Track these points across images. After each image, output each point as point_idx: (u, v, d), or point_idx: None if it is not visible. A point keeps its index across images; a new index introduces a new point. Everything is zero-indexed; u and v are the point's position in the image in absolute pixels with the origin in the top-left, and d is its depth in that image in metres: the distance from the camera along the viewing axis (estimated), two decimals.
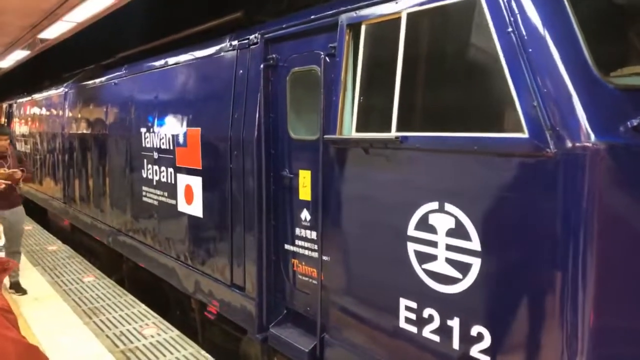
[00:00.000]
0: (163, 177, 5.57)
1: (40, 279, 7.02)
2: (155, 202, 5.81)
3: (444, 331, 2.64)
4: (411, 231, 2.78)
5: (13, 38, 8.91)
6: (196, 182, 4.94)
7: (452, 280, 2.59)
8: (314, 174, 3.69)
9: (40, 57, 10.66)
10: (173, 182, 5.36)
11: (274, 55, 4.03)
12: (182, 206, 5.21)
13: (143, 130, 6.01)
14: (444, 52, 2.71)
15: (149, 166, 5.89)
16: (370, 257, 3.08)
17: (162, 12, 8.03)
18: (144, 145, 6.00)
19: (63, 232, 10.23)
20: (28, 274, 7.02)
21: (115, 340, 5.06)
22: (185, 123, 5.11)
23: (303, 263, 3.88)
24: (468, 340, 2.53)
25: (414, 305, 2.80)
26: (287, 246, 4.03)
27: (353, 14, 3.21)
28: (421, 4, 2.75)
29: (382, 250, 3.00)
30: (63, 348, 4.86)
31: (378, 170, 3.00)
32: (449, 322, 2.61)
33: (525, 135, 2.25)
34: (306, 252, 3.84)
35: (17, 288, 6.29)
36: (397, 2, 2.89)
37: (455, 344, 2.59)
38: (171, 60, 5.56)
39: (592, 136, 2.10)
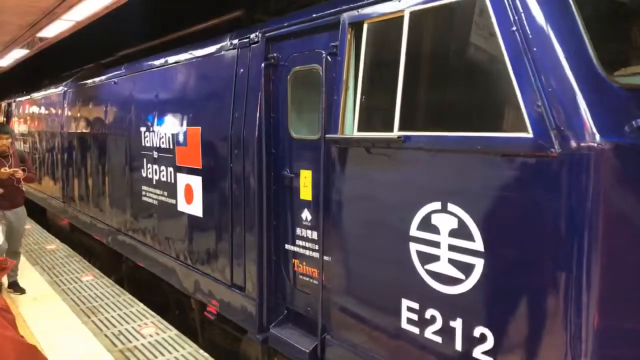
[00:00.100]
0: (163, 176, 5.55)
1: (39, 278, 7.00)
2: (155, 202, 5.79)
3: (447, 332, 2.63)
4: (413, 231, 2.76)
5: (12, 37, 8.88)
6: (196, 182, 4.92)
7: (455, 281, 2.57)
8: (315, 174, 3.67)
9: (39, 55, 10.62)
10: (173, 181, 5.33)
11: (275, 54, 4.01)
12: (182, 206, 5.19)
13: (143, 129, 5.98)
14: (447, 51, 2.69)
15: (149, 165, 5.86)
16: (372, 257, 3.06)
17: (162, 11, 8.01)
18: (143, 144, 5.97)
19: (62, 232, 10.21)
20: (27, 273, 7.00)
21: (113, 340, 5.05)
22: (185, 122, 5.08)
23: (304, 263, 3.86)
24: (471, 341, 2.51)
25: (416, 306, 2.78)
26: (287, 246, 4.01)
27: (355, 12, 3.19)
28: (424, 3, 2.73)
29: (384, 250, 2.97)
30: (61, 347, 4.85)
31: (380, 170, 2.98)
32: (452, 323, 2.60)
33: (529, 135, 2.23)
34: (307, 252, 3.82)
35: (15, 287, 6.27)
36: (399, 1, 2.87)
37: (458, 345, 2.57)
38: (171, 59, 5.53)
39: (598, 136, 2.08)
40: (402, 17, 2.84)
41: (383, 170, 2.96)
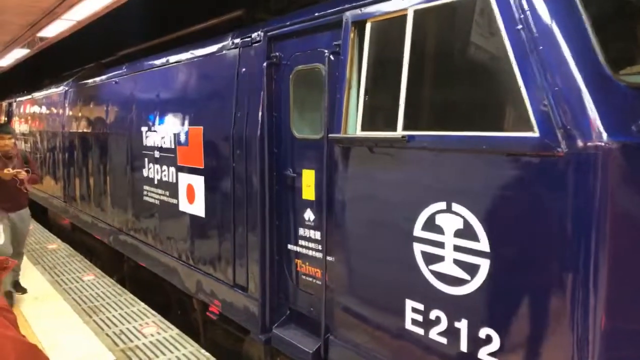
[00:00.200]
0: (164, 176, 5.53)
1: (40, 277, 7.00)
2: (157, 202, 5.77)
3: (452, 333, 2.61)
4: (418, 232, 2.74)
5: (12, 36, 8.87)
6: (198, 182, 4.90)
7: (460, 282, 2.56)
8: (317, 174, 3.65)
9: (39, 55, 10.61)
10: (174, 181, 5.32)
11: (277, 54, 3.99)
12: (184, 205, 5.18)
13: (144, 129, 5.97)
14: (452, 50, 2.67)
15: (150, 165, 5.85)
16: (376, 257, 3.04)
17: (163, 11, 7.99)
18: (145, 144, 5.96)
19: (64, 231, 10.21)
20: (28, 272, 6.99)
21: (115, 339, 5.04)
22: (187, 122, 5.07)
23: (307, 263, 3.85)
24: (476, 342, 2.49)
25: (420, 306, 2.77)
26: (290, 246, 4.00)
27: (358, 11, 3.17)
28: (428, 1, 2.71)
29: (387, 250, 2.96)
30: (63, 347, 4.84)
31: (384, 169, 2.96)
32: (457, 324, 2.58)
33: (535, 134, 2.21)
34: (310, 252, 3.80)
35: (16, 287, 6.26)
36: None
37: (463, 346, 2.55)
38: (172, 58, 5.52)
39: (605, 135, 2.06)
40: (405, 16, 2.82)
41: (386, 170, 2.94)
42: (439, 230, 2.63)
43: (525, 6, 2.29)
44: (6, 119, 14.82)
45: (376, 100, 3.06)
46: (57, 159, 9.78)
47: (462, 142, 2.51)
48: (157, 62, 5.89)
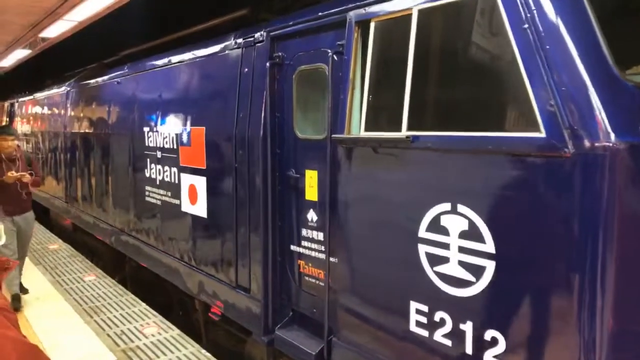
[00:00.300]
0: (166, 176, 5.52)
1: (42, 278, 7.00)
2: (159, 202, 5.76)
3: (456, 335, 2.58)
4: (422, 233, 2.72)
5: (14, 37, 8.86)
6: (200, 182, 4.88)
7: (465, 283, 2.53)
8: (320, 174, 3.63)
9: (41, 56, 10.61)
10: (177, 181, 5.30)
11: (280, 53, 3.97)
12: (186, 206, 5.16)
13: (146, 129, 5.96)
14: (457, 49, 2.65)
15: (152, 166, 5.84)
16: (380, 259, 3.02)
17: (165, 11, 7.98)
18: (147, 144, 5.94)
19: (65, 232, 10.20)
20: (29, 273, 6.99)
21: (116, 339, 5.05)
22: (189, 122, 5.05)
23: (309, 264, 3.83)
24: (481, 344, 2.47)
25: (425, 308, 2.74)
26: (293, 247, 3.98)
27: (362, 10, 3.15)
28: (433, 0, 2.69)
29: (391, 252, 2.93)
30: (64, 347, 4.84)
31: (388, 170, 2.94)
32: (462, 326, 2.56)
33: (542, 134, 2.18)
34: (313, 254, 3.78)
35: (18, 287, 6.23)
36: None
37: (468, 349, 2.53)
38: (175, 58, 5.50)
39: (612, 136, 2.04)
40: (410, 16, 2.80)
41: (391, 171, 2.92)
42: (444, 231, 2.61)
43: (532, 5, 2.27)
44: (8, 119, 14.83)
45: (380, 101, 3.04)
46: (59, 160, 9.77)
47: (467, 142, 2.49)
48: (160, 62, 5.88)
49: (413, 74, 2.75)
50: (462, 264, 2.54)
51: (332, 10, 3.43)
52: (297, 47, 3.83)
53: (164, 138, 5.53)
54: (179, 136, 5.21)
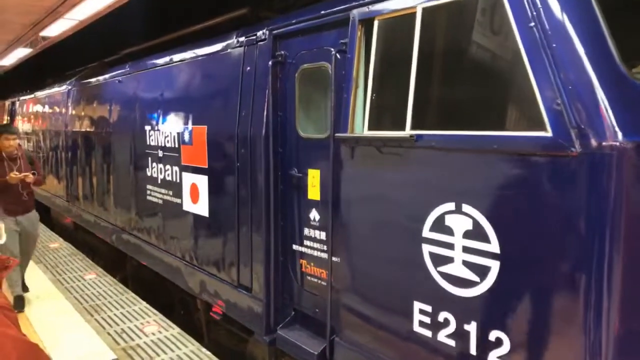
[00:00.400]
0: (168, 175, 5.50)
1: (42, 276, 6.99)
2: (160, 201, 5.74)
3: (460, 336, 2.57)
4: (426, 232, 2.70)
5: (15, 36, 8.86)
6: (202, 181, 4.87)
7: (469, 284, 2.51)
8: (323, 173, 3.62)
9: (42, 54, 10.60)
10: (178, 180, 5.29)
11: (282, 52, 3.95)
12: (188, 205, 5.14)
13: (147, 128, 5.94)
14: (462, 48, 2.62)
15: (154, 164, 5.82)
16: (383, 258, 3.00)
17: (166, 9, 7.96)
18: (148, 143, 5.93)
19: (66, 230, 10.19)
20: (30, 271, 6.96)
21: (116, 338, 5.05)
22: (190, 121, 5.03)
23: (312, 264, 3.81)
24: (486, 345, 2.45)
25: (428, 308, 2.72)
26: (295, 246, 3.96)
27: (365, 8, 3.13)
28: None
29: (395, 252, 2.92)
30: (64, 346, 4.84)
31: (391, 169, 2.92)
32: (466, 327, 2.54)
33: (548, 134, 2.16)
34: (315, 253, 3.76)
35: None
36: None
37: (472, 349, 2.51)
38: (176, 57, 5.48)
39: (620, 135, 2.01)
40: (414, 14, 2.78)
41: (394, 170, 2.90)
42: (448, 231, 2.59)
43: (538, 3, 2.25)
44: (9, 118, 14.81)
45: (384, 99, 3.02)
46: (60, 158, 9.76)
47: (472, 141, 2.47)
48: (161, 61, 5.86)
49: (417, 72, 2.73)
50: (466, 264, 2.52)
51: (335, 9, 3.41)
52: (299, 45, 3.81)
53: (165, 137, 5.52)
54: (180, 135, 5.19)
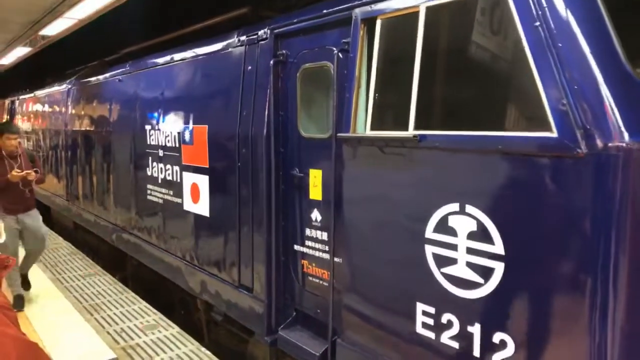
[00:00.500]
0: (168, 175, 5.48)
1: (42, 275, 6.98)
2: (160, 201, 5.72)
3: (464, 337, 2.55)
4: (429, 233, 2.68)
5: (14, 35, 8.83)
6: (203, 181, 4.85)
7: (473, 285, 2.49)
8: (325, 173, 3.60)
9: (42, 53, 10.57)
10: (179, 180, 5.27)
11: (284, 51, 3.93)
12: (188, 205, 5.12)
13: (148, 127, 5.92)
14: (466, 47, 2.60)
15: (154, 164, 5.80)
16: (385, 259, 2.98)
17: (167, 8, 7.94)
18: (148, 142, 5.91)
19: (66, 229, 10.17)
20: (30, 270, 6.95)
21: (116, 337, 5.04)
22: (191, 120, 5.01)
23: (313, 264, 3.79)
24: (490, 347, 2.43)
25: (431, 310, 2.70)
26: (296, 247, 3.94)
27: (368, 7, 3.10)
28: None
29: (398, 252, 2.90)
30: (64, 345, 4.83)
31: (394, 169, 2.90)
32: (470, 328, 2.52)
33: (554, 134, 2.14)
34: (316, 253, 3.74)
35: (23, 282, 6.14)
36: None
37: (476, 351, 2.49)
38: (177, 56, 5.46)
39: (626, 136, 1.99)
40: (417, 13, 2.75)
41: (397, 170, 2.88)
42: (452, 232, 2.57)
43: (543, 2, 2.23)
44: (8, 117, 14.79)
45: (386, 99, 3.00)
46: (60, 157, 9.74)
47: (476, 142, 2.45)
48: (162, 60, 5.83)
49: (420, 72, 2.71)
50: (470, 265, 2.50)
51: (338, 8, 3.39)
52: (301, 44, 3.79)
53: (166, 136, 5.50)
54: (181, 134, 5.17)
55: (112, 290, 6.43)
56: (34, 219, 5.97)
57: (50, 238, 9.30)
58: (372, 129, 3.01)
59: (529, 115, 2.32)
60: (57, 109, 10.00)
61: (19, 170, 5.52)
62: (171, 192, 5.47)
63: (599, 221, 2.06)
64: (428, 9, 2.70)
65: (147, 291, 6.65)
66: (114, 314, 5.65)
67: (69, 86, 9.26)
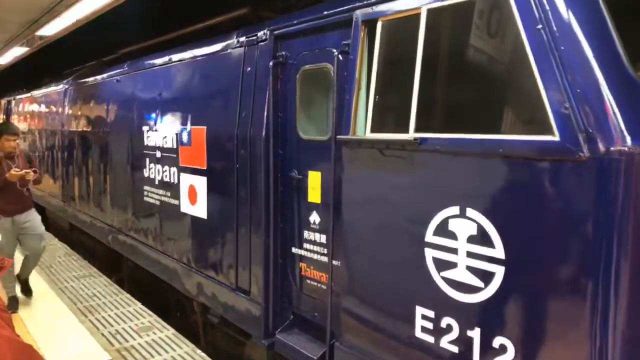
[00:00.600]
0: (166, 176, 5.45)
1: (37, 277, 6.91)
2: (157, 202, 5.69)
3: (464, 342, 2.53)
4: (429, 237, 2.66)
5: (11, 35, 8.78)
6: (200, 182, 4.82)
7: (473, 289, 2.48)
8: (324, 176, 3.58)
9: (39, 53, 10.51)
10: (176, 181, 5.24)
11: (283, 53, 3.91)
12: (185, 207, 5.09)
13: (145, 128, 5.89)
14: (467, 50, 2.59)
15: (151, 165, 5.77)
16: (385, 262, 2.96)
17: (165, 8, 7.92)
18: (146, 143, 5.87)
19: (62, 230, 10.11)
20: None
21: (110, 339, 5.01)
22: (189, 121, 4.99)
23: (311, 267, 3.77)
24: (490, 352, 2.41)
25: (431, 314, 2.68)
26: (294, 249, 3.92)
27: (369, 9, 3.09)
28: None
29: (397, 256, 2.88)
30: (58, 346, 4.79)
31: (394, 172, 2.88)
32: (469, 333, 2.50)
33: (556, 138, 2.13)
34: (314, 256, 3.72)
35: (24, 287, 6.05)
36: None
37: (476, 356, 2.47)
38: (175, 56, 5.44)
39: (629, 139, 1.98)
40: (418, 15, 2.74)
41: (397, 173, 2.86)
42: (452, 235, 2.55)
43: (546, 4, 2.22)
44: (5, 116, 14.72)
45: (387, 101, 2.98)
46: (56, 158, 9.69)
47: (477, 145, 2.44)
48: (160, 60, 5.81)
49: (421, 74, 2.70)
50: (470, 269, 2.49)
51: (338, 9, 3.38)
52: (301, 46, 3.77)
53: (163, 137, 5.46)
54: (179, 136, 5.14)
55: (107, 291, 6.39)
56: (32, 218, 5.91)
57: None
58: (372, 131, 3.00)
59: (530, 118, 2.31)
60: (54, 109, 9.95)
61: (17, 170, 5.48)
62: (168, 194, 5.43)
63: (601, 225, 2.05)
64: (429, 11, 2.69)
65: (143, 293, 6.60)
66: (109, 315, 5.61)
67: (66, 86, 9.22)
